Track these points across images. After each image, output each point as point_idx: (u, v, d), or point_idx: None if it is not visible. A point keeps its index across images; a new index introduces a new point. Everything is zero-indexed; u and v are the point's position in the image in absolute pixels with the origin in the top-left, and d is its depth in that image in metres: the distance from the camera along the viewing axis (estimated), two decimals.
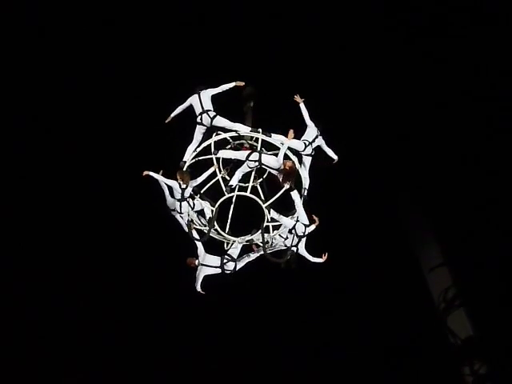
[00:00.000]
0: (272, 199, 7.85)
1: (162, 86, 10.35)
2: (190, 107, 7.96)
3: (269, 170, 7.89)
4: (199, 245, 8.08)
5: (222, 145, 8.04)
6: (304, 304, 11.59)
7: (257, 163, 7.73)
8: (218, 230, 7.98)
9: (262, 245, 7.97)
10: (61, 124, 10.91)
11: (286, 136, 7.81)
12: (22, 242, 11.14)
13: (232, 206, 7.99)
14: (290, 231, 8.00)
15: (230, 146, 8.12)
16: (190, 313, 11.11)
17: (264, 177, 8.31)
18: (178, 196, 7.91)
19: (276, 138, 7.87)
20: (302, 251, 8.10)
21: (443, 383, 11.82)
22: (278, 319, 11.58)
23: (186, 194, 7.88)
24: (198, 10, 10.83)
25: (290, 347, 11.64)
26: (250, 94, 8.27)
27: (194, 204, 8.03)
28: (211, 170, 7.99)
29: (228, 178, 8.00)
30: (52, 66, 10.75)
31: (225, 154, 7.93)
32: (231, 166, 8.12)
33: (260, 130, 7.88)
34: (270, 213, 7.88)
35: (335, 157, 8.25)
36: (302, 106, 7.94)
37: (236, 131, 7.91)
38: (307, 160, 8.01)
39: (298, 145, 7.89)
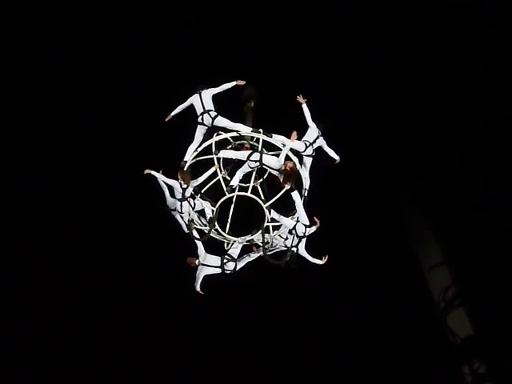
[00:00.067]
0: (273, 199, 7.85)
1: (163, 85, 10.34)
2: (191, 107, 7.96)
3: (269, 170, 7.89)
4: (199, 244, 8.09)
5: (222, 145, 8.04)
6: (304, 304, 11.59)
7: (258, 163, 7.73)
8: (219, 229, 7.98)
9: (262, 245, 7.97)
10: (61, 124, 10.90)
11: (288, 137, 7.82)
12: (22, 241, 11.13)
13: (232, 206, 8.00)
14: (290, 232, 8.00)
15: (230, 146, 8.12)
16: (189, 313, 11.10)
17: (264, 177, 8.32)
18: (179, 196, 7.92)
19: (277, 139, 7.87)
20: (302, 252, 8.11)
21: (443, 382, 11.83)
22: (277, 319, 11.57)
23: (187, 194, 7.89)
24: (198, 10, 10.83)
25: (290, 347, 11.64)
26: (251, 94, 8.26)
27: (194, 204, 8.04)
28: (212, 169, 7.99)
29: (228, 178, 8.00)
30: (52, 66, 10.73)
31: (226, 153, 7.92)
32: (232, 166, 8.13)
33: (261, 130, 7.89)
34: (270, 213, 7.88)
35: (337, 157, 8.26)
36: (305, 107, 7.93)
37: (237, 131, 7.91)
38: (308, 161, 8.02)
39: (298, 145, 7.89)
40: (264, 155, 7.74)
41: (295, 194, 7.77)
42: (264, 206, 7.85)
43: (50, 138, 10.92)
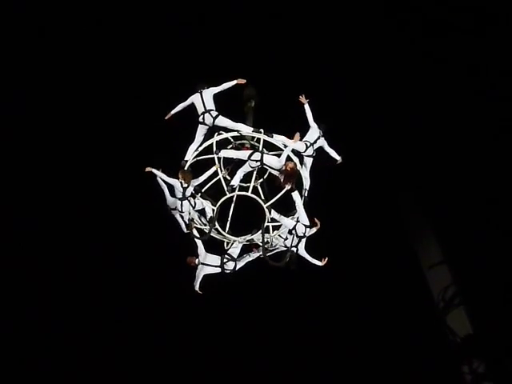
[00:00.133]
0: (273, 199, 7.86)
1: (163, 85, 10.33)
2: (192, 106, 7.97)
3: (270, 170, 7.90)
4: (199, 244, 8.12)
5: (222, 144, 8.05)
6: (304, 303, 11.59)
7: (258, 163, 7.74)
8: (219, 229, 7.99)
9: (261, 245, 7.97)
10: (62, 123, 10.90)
11: (288, 136, 7.82)
12: (22, 241, 11.12)
13: (232, 206, 8.01)
14: (290, 232, 8.01)
15: (231, 146, 8.13)
16: (189, 313, 11.10)
17: (264, 177, 8.33)
18: (180, 195, 7.93)
19: (278, 139, 7.88)
20: (302, 252, 8.12)
21: (442, 381, 11.83)
22: (277, 319, 11.58)
23: (188, 193, 7.90)
24: (198, 10, 10.83)
25: (290, 347, 11.64)
26: (251, 94, 8.28)
27: (195, 203, 8.05)
28: (213, 169, 8.00)
29: (229, 178, 8.01)
30: (52, 66, 10.74)
31: (227, 153, 7.94)
32: (232, 165, 8.13)
33: (262, 130, 7.89)
34: (270, 213, 7.89)
35: (338, 158, 8.28)
36: (307, 107, 7.95)
37: (238, 131, 7.92)
38: (308, 161, 8.04)
39: (299, 146, 7.90)
40: (265, 155, 7.74)
41: (295, 194, 7.78)
42: (264, 206, 7.86)
43: (50, 137, 10.92)
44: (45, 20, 10.64)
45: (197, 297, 8.31)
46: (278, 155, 7.75)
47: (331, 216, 8.49)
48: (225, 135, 7.96)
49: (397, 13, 11.02)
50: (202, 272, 8.17)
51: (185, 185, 7.85)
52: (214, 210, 7.94)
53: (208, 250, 8.16)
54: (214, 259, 8.15)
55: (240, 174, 7.84)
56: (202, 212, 8.28)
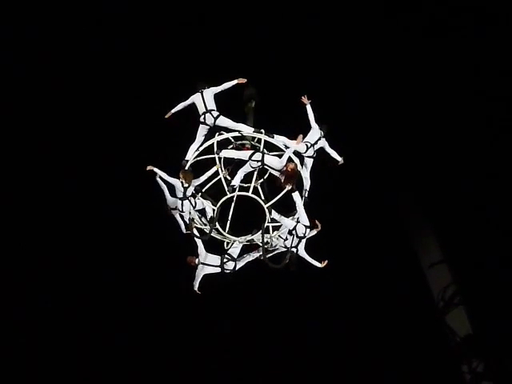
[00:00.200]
0: (274, 200, 7.86)
1: (164, 85, 10.33)
2: (192, 106, 7.97)
3: (270, 170, 7.89)
4: (200, 243, 8.11)
5: (223, 144, 8.05)
6: (303, 303, 11.60)
7: (259, 163, 7.73)
8: (219, 229, 7.99)
9: (261, 245, 7.97)
10: (62, 123, 10.90)
11: (289, 137, 7.82)
12: (22, 241, 11.12)
13: (233, 206, 8.01)
14: (290, 232, 8.01)
15: (231, 146, 8.12)
16: (189, 313, 11.10)
17: (265, 177, 8.33)
18: (180, 195, 7.93)
19: (279, 139, 7.88)
20: (302, 252, 8.11)
21: (442, 381, 11.84)
22: (277, 319, 11.58)
23: (188, 193, 7.90)
24: (198, 10, 10.82)
25: (290, 347, 11.65)
26: (251, 94, 8.27)
27: (195, 203, 8.04)
28: (213, 169, 8.00)
29: (229, 178, 8.01)
30: (52, 66, 10.73)
31: (228, 153, 7.94)
32: (233, 165, 8.13)
33: (263, 130, 7.89)
34: (271, 213, 7.88)
35: (339, 158, 8.27)
36: (309, 108, 7.95)
37: (239, 131, 7.91)
38: (309, 161, 8.04)
39: (300, 146, 7.90)
40: (266, 155, 7.74)
41: (296, 195, 7.78)
42: (265, 207, 7.86)
43: (50, 137, 10.92)
44: (45, 20, 10.63)
45: (197, 297, 8.31)
46: (279, 156, 7.76)
47: (331, 216, 8.48)
48: (226, 135, 7.96)
49: (397, 13, 11.02)
50: (201, 272, 8.18)
51: (185, 184, 7.86)
52: (214, 210, 7.93)
53: (208, 249, 8.16)
54: (214, 259, 8.15)
55: (240, 174, 7.83)
56: (202, 212, 8.28)
